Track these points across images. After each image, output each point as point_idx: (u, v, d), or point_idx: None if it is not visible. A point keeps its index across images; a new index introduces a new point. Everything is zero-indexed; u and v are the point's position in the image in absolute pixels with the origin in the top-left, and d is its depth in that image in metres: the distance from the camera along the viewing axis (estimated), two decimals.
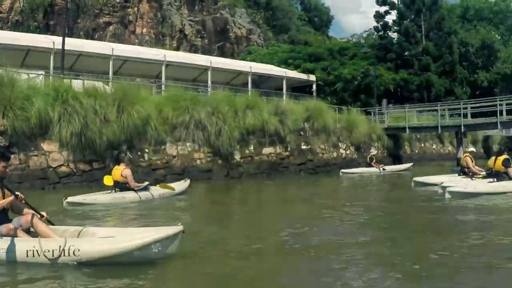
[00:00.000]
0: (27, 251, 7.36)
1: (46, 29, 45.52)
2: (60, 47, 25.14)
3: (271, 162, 27.34)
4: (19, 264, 7.38)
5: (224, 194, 19.88)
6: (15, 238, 7.55)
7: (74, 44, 29.56)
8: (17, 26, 45.54)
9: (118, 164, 16.26)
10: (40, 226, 7.75)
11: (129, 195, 15.53)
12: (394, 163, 34.57)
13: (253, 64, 39.71)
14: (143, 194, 15.87)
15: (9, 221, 7.82)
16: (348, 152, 33.09)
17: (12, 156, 18.38)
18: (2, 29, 42.95)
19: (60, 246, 7.27)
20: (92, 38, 47.79)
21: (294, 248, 8.95)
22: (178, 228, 7.54)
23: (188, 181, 18.94)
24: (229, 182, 23.87)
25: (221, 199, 18.06)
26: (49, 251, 7.30)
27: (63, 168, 19.83)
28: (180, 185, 18.19)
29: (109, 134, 20.53)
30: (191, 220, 12.22)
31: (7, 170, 8.10)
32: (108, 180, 16.17)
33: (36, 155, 19.44)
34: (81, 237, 7.95)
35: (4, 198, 7.72)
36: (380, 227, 11.37)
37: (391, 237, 9.76)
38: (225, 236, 10.26)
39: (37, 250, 7.32)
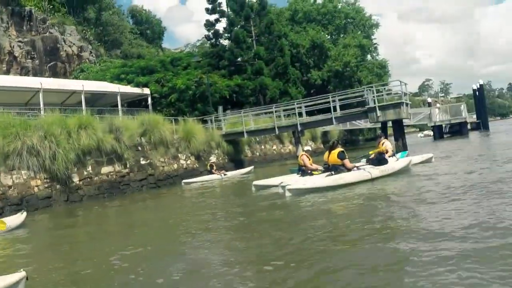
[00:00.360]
0: None
1: None
2: None
3: (111, 181, 27.08)
4: None
5: (64, 222, 18.99)
6: None
7: None
8: None
9: None
10: None
11: None
12: (237, 168, 35.21)
13: (85, 82, 39.35)
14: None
15: None
16: (188, 162, 33.40)
17: None
18: None
19: None
20: None
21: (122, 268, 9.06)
22: (19, 275, 6.68)
23: (25, 213, 17.83)
24: (70, 207, 23.33)
25: (62, 230, 17.08)
26: None
27: None
28: (15, 219, 17.17)
29: None
30: (33, 260, 11.82)
31: None
32: None
33: None
34: None
35: None
36: (227, 231, 11.83)
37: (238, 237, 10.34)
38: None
39: None
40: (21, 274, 6.66)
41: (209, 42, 59.75)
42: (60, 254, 12.04)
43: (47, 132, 24.00)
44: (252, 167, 33.83)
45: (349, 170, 17.57)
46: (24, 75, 46.65)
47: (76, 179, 25.24)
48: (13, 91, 33.36)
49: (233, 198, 20.28)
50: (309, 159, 19.58)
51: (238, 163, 37.81)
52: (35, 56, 51.12)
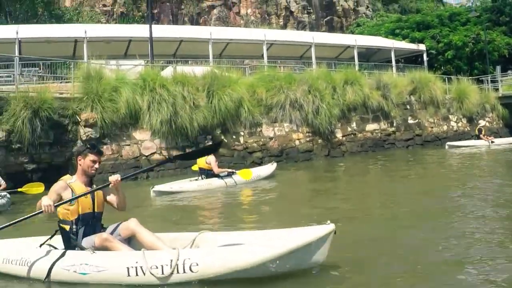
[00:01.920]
0: (128, 268, 5.48)
1: (152, 18, 46.01)
2: (162, 35, 25.71)
3: (375, 138, 26.23)
4: (117, 287, 5.55)
5: (323, 176, 18.65)
6: (111, 252, 5.80)
7: (176, 30, 30.98)
8: (122, 18, 46.39)
9: None
10: (145, 233, 5.99)
11: (215, 182, 15.19)
12: (511, 135, 32.03)
13: (358, 37, 38.26)
14: (229, 181, 15.43)
15: (103, 229, 6.20)
16: (459, 124, 31.08)
17: (105, 146, 18.65)
18: (108, 22, 44.09)
19: (171, 260, 5.37)
20: (197, 23, 48.00)
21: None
22: (328, 227, 5.52)
23: (275, 164, 18.06)
24: (330, 162, 22.81)
25: (318, 183, 16.81)
26: (157, 267, 5.40)
27: (156, 156, 19.67)
28: (265, 169, 17.55)
29: (200, 120, 20.17)
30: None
31: (96, 166, 6.19)
32: (196, 167, 16.14)
33: (128, 145, 19.51)
34: (196, 246, 6.14)
35: (94, 203, 6.09)
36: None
37: None
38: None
39: (141, 267, 5.44)
40: (330, 226, 5.51)
41: None
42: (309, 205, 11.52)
43: (312, 87, 23.62)
44: None
45: None
46: (301, 30, 47.11)
47: (339, 134, 24.72)
48: (288, 45, 33.68)
49: (503, 172, 17.05)
50: None
51: None
52: (311, 10, 51.51)
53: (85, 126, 18.66)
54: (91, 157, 6.12)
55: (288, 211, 10.83)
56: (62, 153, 18.12)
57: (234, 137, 21.70)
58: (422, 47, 39.00)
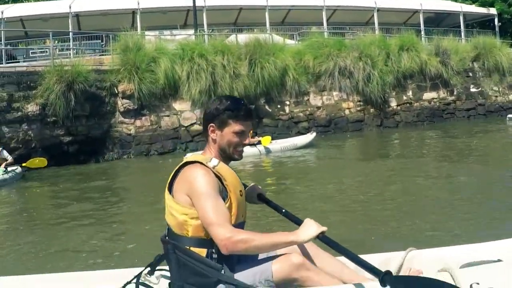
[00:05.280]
0: None
1: None
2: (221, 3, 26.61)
3: (433, 108, 24.72)
4: None
5: (369, 149, 17.74)
6: None
7: None
8: None
9: None
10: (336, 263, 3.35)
11: (249, 150, 15.09)
12: None
13: (425, 1, 36.42)
14: (262, 149, 15.80)
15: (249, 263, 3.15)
16: None
17: (143, 118, 18.44)
18: None
19: None
20: None
21: None
22: None
23: (314, 134, 17.76)
24: (383, 132, 21.74)
25: (365, 156, 15.88)
26: None
27: (196, 127, 19.23)
28: (303, 139, 17.54)
29: (241, 89, 19.47)
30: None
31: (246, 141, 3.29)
32: None
33: (167, 115, 19.33)
34: (407, 268, 3.37)
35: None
36: None
37: None
38: None
39: None
40: None
41: None
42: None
43: (363, 53, 22.46)
44: None
45: None
46: None
47: (393, 103, 23.52)
48: (351, 10, 32.51)
49: None
50: None
51: None
52: None
53: (122, 98, 18.52)
54: (237, 125, 3.21)
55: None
56: (100, 125, 18.24)
57: (279, 106, 21.01)
58: (493, 11, 36.89)
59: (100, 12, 25.51)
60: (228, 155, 3.26)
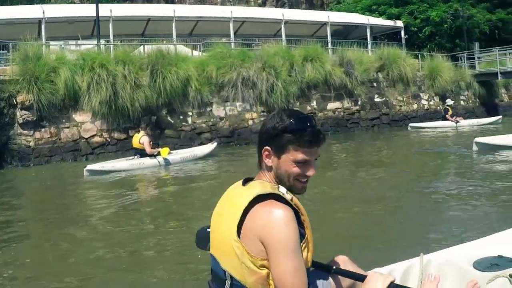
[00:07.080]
0: None
1: None
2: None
3: (338, 118, 25.35)
4: None
5: None
6: None
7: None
8: None
9: (138, 132, 16.15)
10: None
11: (148, 161, 15.50)
12: (489, 114, 30.68)
13: (332, 13, 37.14)
14: (161, 160, 15.77)
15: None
16: (431, 103, 29.94)
17: (42, 129, 18.29)
18: (73, 2, 43.04)
19: None
20: (173, 2, 47.13)
21: None
22: None
23: (215, 144, 18.13)
24: None
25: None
26: None
27: (96, 139, 19.27)
28: (204, 148, 17.82)
29: (142, 100, 19.58)
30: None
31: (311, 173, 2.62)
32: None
33: (67, 127, 19.09)
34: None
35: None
36: None
37: None
38: None
39: None
40: None
41: None
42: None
43: (266, 64, 22.82)
44: (499, 117, 28.14)
45: None
46: (280, 7, 46.06)
47: None
48: (260, 23, 32.89)
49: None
50: None
51: (490, 109, 33.04)
52: None
53: (21, 109, 18.25)
54: (298, 153, 2.55)
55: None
56: None
57: (181, 117, 21.11)
58: (399, 23, 38.08)
59: (5, 21, 25.06)
60: (288, 187, 2.58)
